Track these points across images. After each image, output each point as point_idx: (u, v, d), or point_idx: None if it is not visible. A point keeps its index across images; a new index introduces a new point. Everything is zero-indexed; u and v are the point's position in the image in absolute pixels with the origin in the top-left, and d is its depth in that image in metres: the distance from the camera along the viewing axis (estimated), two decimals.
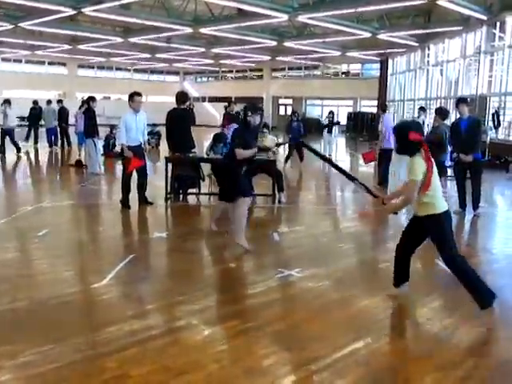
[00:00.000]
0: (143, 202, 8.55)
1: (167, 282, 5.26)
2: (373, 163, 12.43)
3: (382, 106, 12.85)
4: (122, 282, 5.01)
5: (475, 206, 8.41)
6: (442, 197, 4.36)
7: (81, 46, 28.25)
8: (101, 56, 33.97)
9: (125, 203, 8.36)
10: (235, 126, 10.77)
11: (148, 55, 32.35)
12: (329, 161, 6.68)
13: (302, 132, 15.56)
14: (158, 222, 8.02)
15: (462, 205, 8.53)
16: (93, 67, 40.04)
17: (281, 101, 41.50)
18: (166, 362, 3.40)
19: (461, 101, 8.84)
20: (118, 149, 16.10)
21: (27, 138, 19.38)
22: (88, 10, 17.91)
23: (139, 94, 8.51)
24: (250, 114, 6.26)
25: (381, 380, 3.28)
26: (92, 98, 12.59)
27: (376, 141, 13.28)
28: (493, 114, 16.26)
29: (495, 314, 4.15)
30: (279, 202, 9.18)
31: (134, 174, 8.54)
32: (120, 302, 4.54)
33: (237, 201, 6.10)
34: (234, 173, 6.28)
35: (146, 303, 4.49)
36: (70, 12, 18.23)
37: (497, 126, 16.26)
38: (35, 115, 19.00)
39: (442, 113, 9.31)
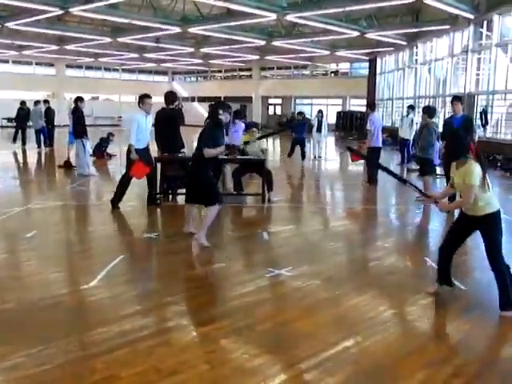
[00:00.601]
0: (151, 202, 8.60)
1: (157, 282, 5.25)
2: (361, 161, 12.52)
3: (371, 106, 13.00)
4: (112, 282, 4.99)
5: None
6: (494, 196, 4.59)
7: (69, 47, 28.08)
8: (89, 56, 33.79)
9: (115, 204, 8.32)
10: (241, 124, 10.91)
11: (136, 55, 32.22)
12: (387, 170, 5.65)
13: (306, 130, 16.52)
14: (148, 223, 7.99)
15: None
16: (81, 67, 39.79)
17: (270, 100, 41.53)
18: (156, 363, 3.39)
19: (455, 99, 8.90)
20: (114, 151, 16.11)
21: (15, 140, 19.26)
22: (76, 10, 17.79)
23: (149, 96, 8.44)
24: (221, 112, 6.23)
25: (371, 378, 3.29)
26: (80, 99, 12.51)
27: (364, 140, 13.42)
28: (480, 113, 16.37)
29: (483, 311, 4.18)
30: (269, 201, 9.19)
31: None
32: (110, 303, 4.52)
33: (210, 206, 6.12)
34: (205, 175, 6.20)
35: (135, 304, 4.47)
36: (58, 12, 18.10)
37: (484, 125, 16.37)
38: (23, 116, 18.88)
39: (429, 111, 9.34)
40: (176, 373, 3.27)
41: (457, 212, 5.34)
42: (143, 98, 8.35)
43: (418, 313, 4.44)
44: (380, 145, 12.03)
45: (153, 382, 3.17)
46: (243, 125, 10.97)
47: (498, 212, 4.52)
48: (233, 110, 13.88)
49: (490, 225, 4.52)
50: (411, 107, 15.24)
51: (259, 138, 9.18)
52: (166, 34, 23.29)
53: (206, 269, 5.73)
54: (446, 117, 20.77)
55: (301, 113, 18.02)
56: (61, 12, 18.13)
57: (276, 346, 3.69)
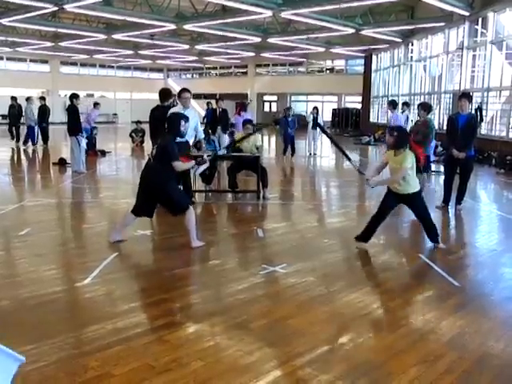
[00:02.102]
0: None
1: (151, 279, 5.24)
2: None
3: (393, 103, 13.49)
4: (106, 280, 4.98)
5: (459, 201, 8.46)
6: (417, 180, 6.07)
7: (63, 43, 27.99)
8: (84, 53, 33.69)
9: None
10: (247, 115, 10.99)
11: (131, 52, 32.16)
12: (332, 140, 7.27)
13: (297, 126, 16.51)
14: (142, 220, 7.95)
15: (447, 200, 8.56)
16: (76, 64, 39.68)
17: (265, 97, 41.52)
18: (150, 360, 3.38)
19: (464, 96, 8.52)
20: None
21: (12, 137, 19.11)
22: (70, 7, 17.75)
23: (187, 91, 8.38)
24: (182, 123, 6.01)
25: (364, 374, 3.29)
26: (75, 96, 12.47)
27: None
28: (476, 110, 16.38)
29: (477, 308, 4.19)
30: (263, 198, 9.19)
31: None
32: (103, 301, 4.51)
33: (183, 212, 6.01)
34: (172, 186, 6.01)
35: (129, 301, 4.46)
36: (52, 8, 18.06)
37: (480, 121, 16.40)
38: (14, 113, 18.78)
39: (425, 107, 9.33)
40: (170, 370, 3.27)
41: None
42: (180, 93, 8.32)
43: (412, 309, 4.46)
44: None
45: (146, 380, 3.17)
46: (249, 115, 11.17)
47: (420, 191, 6.06)
48: (239, 104, 14.20)
49: (416, 199, 6.03)
50: (406, 104, 15.23)
51: (244, 138, 9.12)
52: (160, 30, 23.27)
53: (201, 266, 5.73)
54: (442, 113, 20.93)
55: (289, 108, 17.79)
56: (55, 8, 18.08)
57: (270, 342, 3.69)
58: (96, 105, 17.26)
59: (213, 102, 22.98)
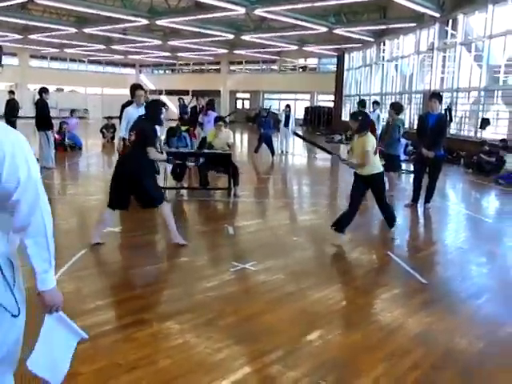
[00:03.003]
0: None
1: (120, 277, 5.19)
2: None
3: (362, 103, 14.19)
4: (74, 277, 4.90)
5: (428, 200, 8.57)
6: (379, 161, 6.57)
7: (33, 36, 27.47)
8: (54, 47, 33.11)
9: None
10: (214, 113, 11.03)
11: (103, 46, 31.73)
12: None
13: (273, 127, 16.48)
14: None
15: (416, 198, 8.66)
16: (46, 58, 38.99)
17: (238, 95, 41.46)
18: (117, 358, 3.35)
19: (434, 96, 8.61)
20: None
21: None
22: None
23: (140, 88, 8.30)
24: (163, 111, 5.92)
25: (332, 371, 3.31)
26: (44, 90, 12.24)
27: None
28: (445, 110, 16.61)
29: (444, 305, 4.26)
30: (235, 195, 9.18)
31: None
32: (71, 298, 4.43)
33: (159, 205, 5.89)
34: (147, 177, 5.80)
35: (97, 299, 4.41)
36: (21, 0, 17.71)
37: (449, 122, 16.65)
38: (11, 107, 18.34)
39: (396, 108, 9.43)
40: (136, 368, 3.24)
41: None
42: (134, 90, 8.21)
43: (381, 306, 4.50)
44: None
45: (113, 378, 3.13)
46: (215, 114, 11.13)
47: (382, 172, 6.41)
48: (205, 101, 14.11)
49: (378, 181, 6.36)
50: (376, 103, 15.40)
51: (229, 114, 9.17)
52: (133, 25, 23.01)
53: (170, 263, 5.69)
54: (413, 113, 21.20)
55: (265, 109, 17.85)
56: (24, 0, 17.74)
57: (239, 340, 3.69)
58: (73, 112, 17.02)
59: (185, 97, 22.90)
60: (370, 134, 6.34)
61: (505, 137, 14.35)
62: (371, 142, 6.23)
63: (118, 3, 20.02)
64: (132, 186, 5.74)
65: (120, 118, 8.84)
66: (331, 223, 6.43)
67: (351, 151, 6.63)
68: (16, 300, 2.06)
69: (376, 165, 6.35)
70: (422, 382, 3.25)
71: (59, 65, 40.23)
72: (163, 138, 8.66)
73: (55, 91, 33.71)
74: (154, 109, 5.93)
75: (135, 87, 8.30)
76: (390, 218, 6.68)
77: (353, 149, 6.56)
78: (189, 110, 15.71)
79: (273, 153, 15.83)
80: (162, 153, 6.27)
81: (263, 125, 16.01)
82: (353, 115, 6.51)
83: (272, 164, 15.01)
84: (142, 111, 8.10)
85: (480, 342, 3.81)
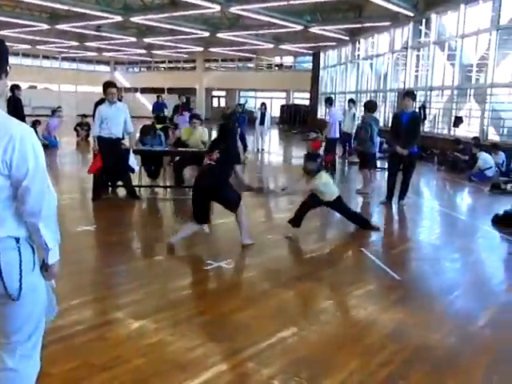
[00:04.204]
0: (130, 196, 8.49)
1: (93, 275, 5.13)
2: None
3: (329, 100, 13.89)
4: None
5: (402, 197, 8.66)
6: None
7: (3, 32, 26.96)
8: (26, 43, 32.56)
9: (94, 198, 8.25)
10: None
11: (76, 43, 31.33)
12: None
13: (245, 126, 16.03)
14: (86, 215, 7.81)
15: (389, 196, 8.74)
16: (17, 54, 38.30)
17: (214, 92, 41.36)
18: (90, 358, 3.31)
19: (407, 94, 8.69)
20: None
21: None
22: None
23: (112, 85, 8.23)
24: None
25: (306, 368, 3.32)
26: (16, 86, 12.01)
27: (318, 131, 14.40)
28: (419, 108, 16.80)
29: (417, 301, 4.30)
30: None
31: None
32: None
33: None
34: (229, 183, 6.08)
35: (70, 298, 4.34)
36: None
37: (423, 120, 16.84)
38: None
39: (368, 106, 9.51)
40: (110, 367, 3.21)
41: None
42: (106, 87, 8.12)
43: (354, 303, 4.54)
44: (337, 136, 13.37)
45: (85, 378, 3.09)
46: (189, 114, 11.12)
47: (339, 196, 6.70)
48: (181, 101, 13.98)
49: (337, 204, 6.70)
50: (352, 101, 15.50)
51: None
52: (107, 22, 22.77)
53: (145, 262, 5.65)
54: (387, 111, 21.40)
55: (240, 105, 17.59)
56: None
57: (213, 338, 3.68)
58: (54, 112, 16.66)
59: (163, 95, 22.68)
60: (322, 173, 6.63)
61: (477, 135, 14.56)
62: (324, 179, 6.58)
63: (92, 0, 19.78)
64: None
65: (93, 116, 8.74)
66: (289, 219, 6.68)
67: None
68: (21, 286, 2.17)
69: (331, 191, 6.65)
70: (395, 377, 3.27)
71: (32, 62, 39.62)
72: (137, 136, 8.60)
73: (28, 88, 33.18)
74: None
75: (107, 85, 8.23)
76: (363, 224, 6.99)
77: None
78: (167, 108, 15.54)
79: (245, 149, 15.43)
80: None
81: (238, 122, 15.77)
82: (307, 157, 7.14)
83: (247, 161, 14.99)
84: (114, 109, 8.07)
85: (452, 337, 3.86)
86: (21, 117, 11.82)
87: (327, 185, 6.65)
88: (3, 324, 2.26)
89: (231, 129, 6.56)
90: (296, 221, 6.61)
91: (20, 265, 2.16)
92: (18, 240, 2.16)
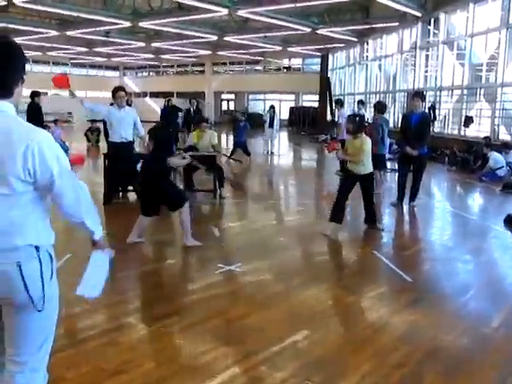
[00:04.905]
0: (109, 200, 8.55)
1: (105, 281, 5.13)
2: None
3: (339, 102, 14.07)
4: (59, 282, 4.83)
5: (413, 198, 8.61)
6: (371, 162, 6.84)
7: (14, 39, 27.17)
8: (36, 50, 32.81)
9: (105, 202, 8.34)
10: None
11: (86, 49, 31.53)
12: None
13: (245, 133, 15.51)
14: None
15: (401, 197, 8.68)
16: (28, 61, 38.65)
17: (223, 96, 41.43)
18: (102, 363, 3.32)
19: (416, 95, 8.69)
20: None
21: None
22: (19, 1, 17.24)
23: (121, 89, 8.34)
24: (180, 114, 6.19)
25: (318, 371, 3.31)
26: (36, 93, 12.04)
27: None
28: (429, 108, 16.73)
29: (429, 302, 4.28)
30: (220, 197, 9.16)
31: None
32: None
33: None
34: (168, 182, 6.21)
35: (82, 304, 4.36)
36: (1, 3, 17.52)
37: (433, 120, 16.76)
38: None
39: (378, 107, 9.48)
40: (122, 372, 3.21)
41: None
42: (115, 92, 8.21)
43: (367, 305, 4.52)
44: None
45: (97, 382, 3.11)
46: None
47: (372, 173, 6.86)
48: (193, 106, 13.86)
49: (369, 180, 6.78)
50: (361, 102, 15.45)
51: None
52: (116, 28, 22.89)
53: (156, 266, 5.66)
54: (397, 112, 21.32)
55: (243, 113, 17.27)
56: (4, 3, 17.56)
57: (225, 342, 3.67)
58: (56, 121, 16.82)
59: (173, 99, 22.71)
60: (365, 135, 6.76)
61: (488, 134, 14.46)
62: (368, 143, 6.68)
63: (100, 5, 19.89)
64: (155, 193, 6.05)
65: (103, 121, 8.81)
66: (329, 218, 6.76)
67: (346, 150, 6.96)
68: (44, 295, 2.19)
69: (368, 165, 6.72)
70: (408, 379, 3.26)
71: (42, 68, 39.90)
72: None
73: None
74: (171, 113, 6.50)
75: (116, 89, 8.31)
76: (370, 219, 7.04)
77: (347, 148, 6.91)
78: (181, 111, 15.51)
79: (248, 154, 15.04)
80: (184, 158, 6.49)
81: (237, 131, 15.30)
82: (350, 117, 6.96)
83: (257, 165, 14.98)
84: (123, 113, 8.12)
85: (465, 338, 3.84)
86: (40, 123, 11.87)
87: (369, 154, 6.72)
88: (17, 335, 2.23)
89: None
90: (338, 214, 6.63)
91: (41, 274, 2.16)
92: (37, 248, 2.16)
